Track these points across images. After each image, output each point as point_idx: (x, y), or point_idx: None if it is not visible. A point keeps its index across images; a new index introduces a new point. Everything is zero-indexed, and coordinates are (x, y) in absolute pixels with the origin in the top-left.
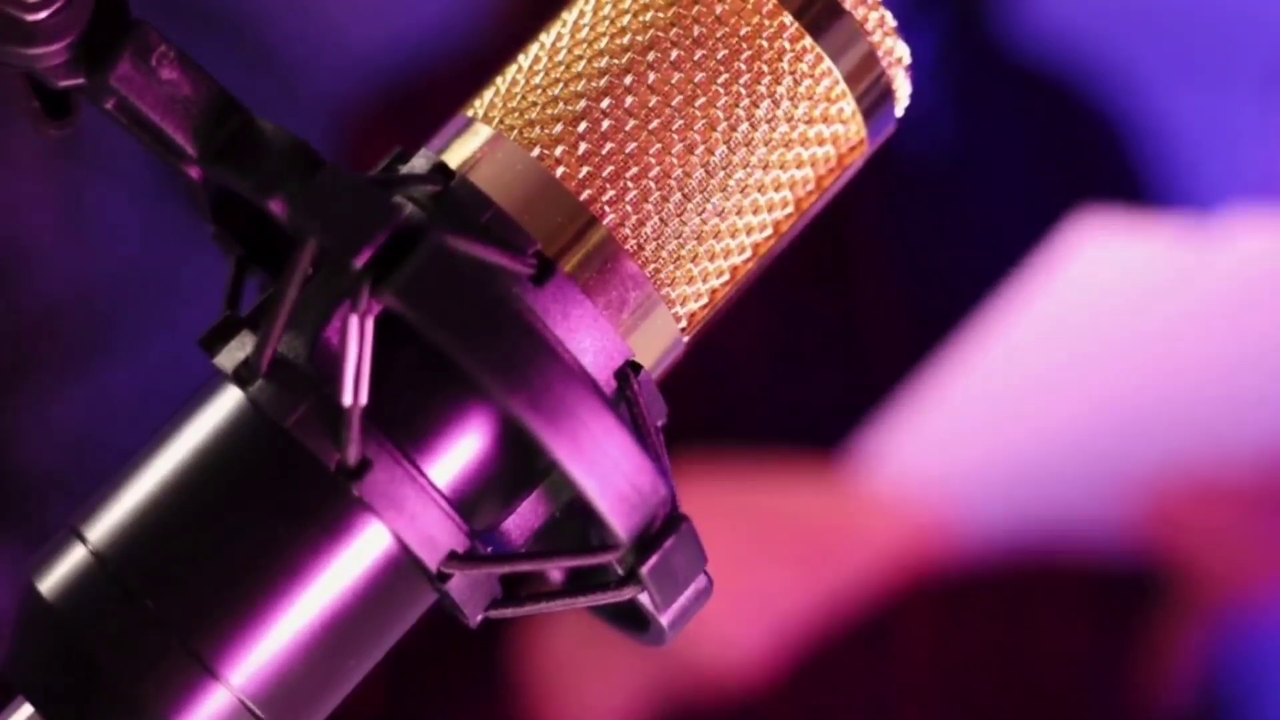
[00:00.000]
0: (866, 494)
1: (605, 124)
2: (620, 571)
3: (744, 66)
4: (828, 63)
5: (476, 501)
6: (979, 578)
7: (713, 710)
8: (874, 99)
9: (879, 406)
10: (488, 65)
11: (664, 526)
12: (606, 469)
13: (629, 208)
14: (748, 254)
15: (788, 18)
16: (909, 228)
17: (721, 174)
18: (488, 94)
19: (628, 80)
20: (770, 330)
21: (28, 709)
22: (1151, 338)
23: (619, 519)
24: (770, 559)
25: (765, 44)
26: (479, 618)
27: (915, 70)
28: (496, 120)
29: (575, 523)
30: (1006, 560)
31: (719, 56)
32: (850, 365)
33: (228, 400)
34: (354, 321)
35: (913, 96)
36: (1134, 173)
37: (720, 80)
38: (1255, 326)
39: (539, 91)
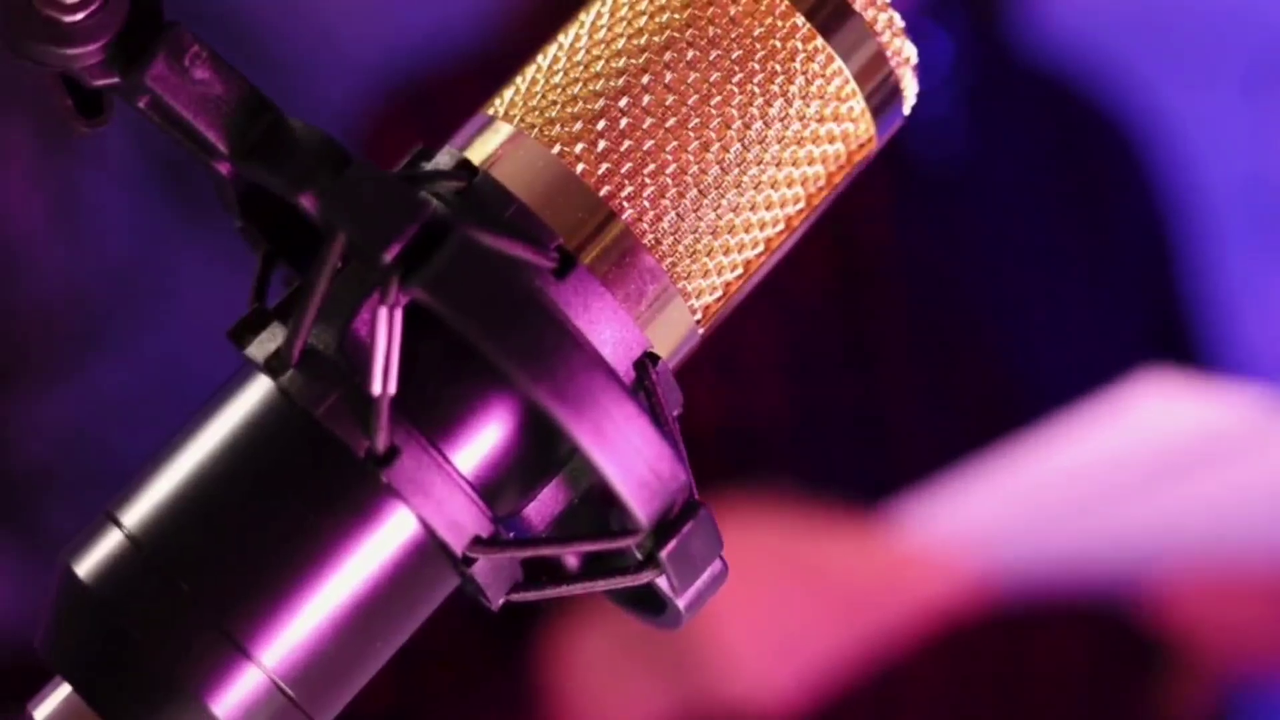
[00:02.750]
0: (906, 551)
1: (623, 122)
2: (639, 556)
3: (757, 66)
4: (838, 62)
5: (499, 488)
6: (994, 620)
7: None
8: (883, 98)
9: (892, 417)
10: (490, 68)
11: (682, 512)
12: (628, 455)
13: (646, 203)
14: (761, 248)
15: (800, 19)
16: (922, 232)
17: (736, 171)
18: (508, 93)
19: (645, 79)
20: (786, 339)
21: (65, 689)
22: (1197, 488)
23: (640, 504)
24: (808, 604)
25: (778, 44)
26: (501, 601)
27: (929, 77)
28: (517, 118)
29: (592, 509)
30: (1023, 606)
31: (733, 56)
32: (865, 374)
33: (258, 390)
34: (383, 313)
35: (927, 103)
36: (1144, 178)
37: (734, 80)
38: None
39: (558, 90)
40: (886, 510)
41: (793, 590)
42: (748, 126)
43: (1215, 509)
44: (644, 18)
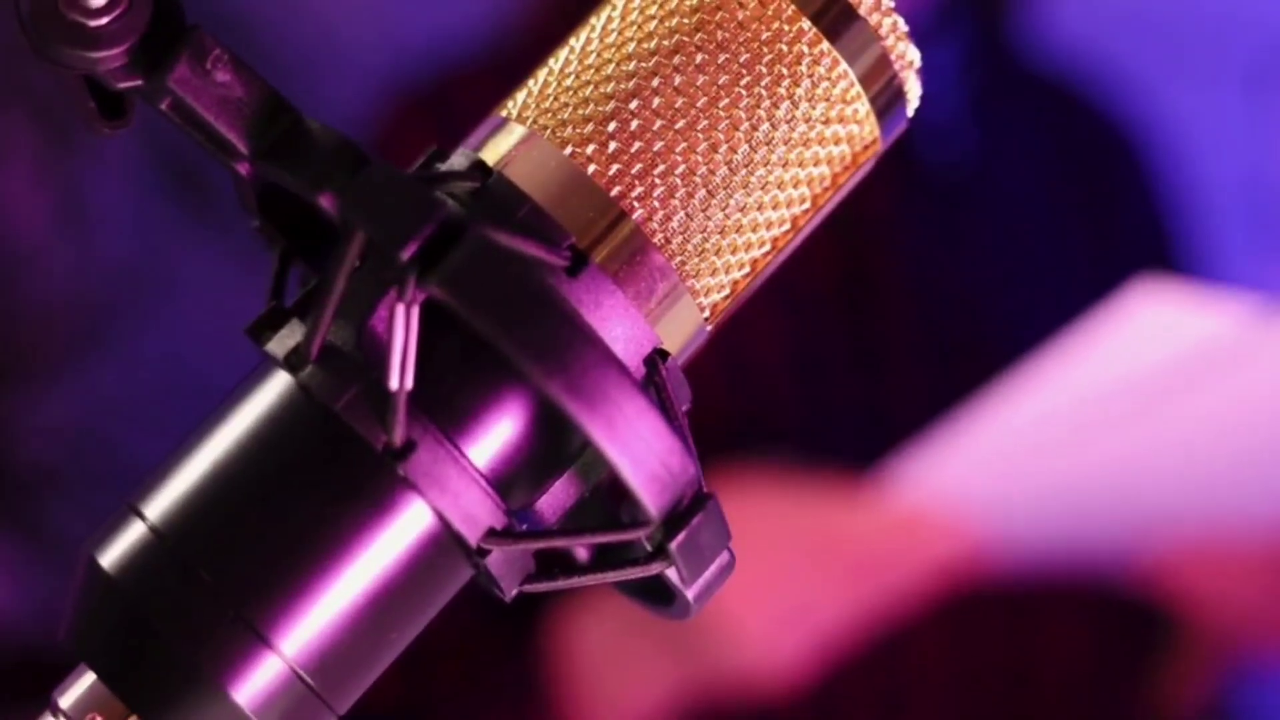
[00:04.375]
0: (906, 513)
1: (634, 124)
2: (649, 547)
3: (764, 69)
4: (844, 66)
5: (513, 481)
6: (998, 595)
7: (734, 713)
8: (887, 100)
9: (900, 419)
10: (498, 69)
11: (692, 504)
12: (640, 450)
13: (656, 203)
14: (767, 247)
15: (806, 23)
16: (932, 237)
17: (743, 171)
18: (520, 95)
19: (655, 82)
20: (793, 342)
21: (90, 677)
22: (1194, 406)
23: (651, 497)
24: (810, 572)
25: (785, 48)
26: (514, 592)
27: (936, 81)
28: (530, 120)
29: (602, 503)
30: (1025, 581)
31: (741, 60)
32: (872, 377)
33: (278, 385)
34: (401, 310)
35: (933, 107)
36: (1147, 180)
37: (742, 82)
38: None
39: (570, 93)
40: (882, 473)
41: (793, 559)
42: (755, 128)
43: (1214, 422)
44: (654, 22)
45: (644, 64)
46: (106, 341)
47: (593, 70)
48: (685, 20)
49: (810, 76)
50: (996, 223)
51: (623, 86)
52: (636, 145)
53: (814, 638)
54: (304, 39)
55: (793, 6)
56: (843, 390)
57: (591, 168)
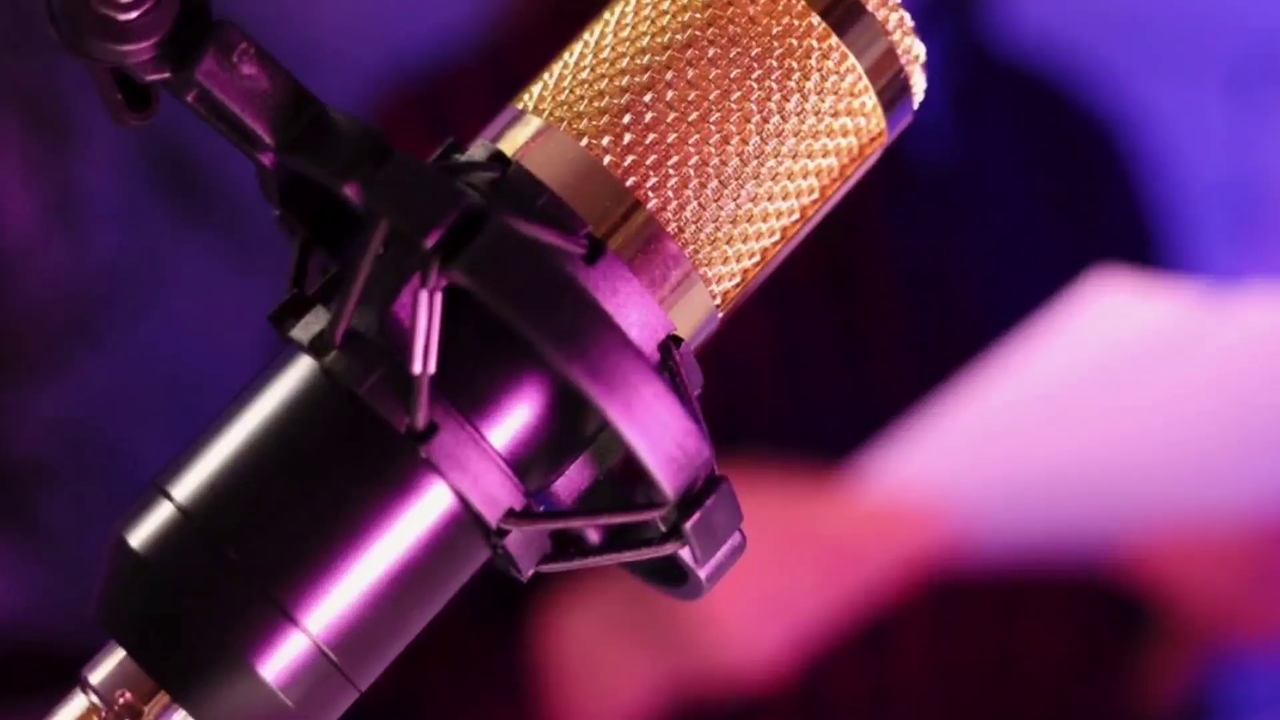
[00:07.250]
0: (880, 505)
1: (648, 116)
2: (663, 528)
3: (775, 63)
4: (852, 60)
5: (531, 464)
6: (980, 587)
7: (718, 706)
8: (893, 93)
9: (884, 414)
10: (491, 69)
11: (705, 486)
12: (657, 432)
13: (670, 193)
14: (777, 237)
15: (815, 18)
16: (915, 234)
17: (754, 162)
18: (536, 88)
19: (668, 75)
20: (777, 337)
21: (120, 653)
22: (1157, 392)
23: (667, 478)
24: (788, 564)
25: (795, 42)
26: (531, 571)
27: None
28: (546, 112)
29: (614, 486)
30: (1007, 573)
31: (752, 54)
32: (855, 372)
33: (302, 369)
34: (424, 296)
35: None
36: (1129, 177)
37: (753, 76)
38: (1255, 395)
39: (585, 86)
40: (855, 465)
41: (769, 551)
42: (766, 120)
43: (1178, 408)
44: (667, 16)
45: (657, 57)
46: (99, 337)
47: (607, 64)
48: (698, 15)
49: (819, 70)
50: (979, 219)
51: (637, 80)
52: (650, 137)
53: (794, 629)
54: (294, 38)
55: (802, 2)
56: (827, 385)
57: (607, 158)
